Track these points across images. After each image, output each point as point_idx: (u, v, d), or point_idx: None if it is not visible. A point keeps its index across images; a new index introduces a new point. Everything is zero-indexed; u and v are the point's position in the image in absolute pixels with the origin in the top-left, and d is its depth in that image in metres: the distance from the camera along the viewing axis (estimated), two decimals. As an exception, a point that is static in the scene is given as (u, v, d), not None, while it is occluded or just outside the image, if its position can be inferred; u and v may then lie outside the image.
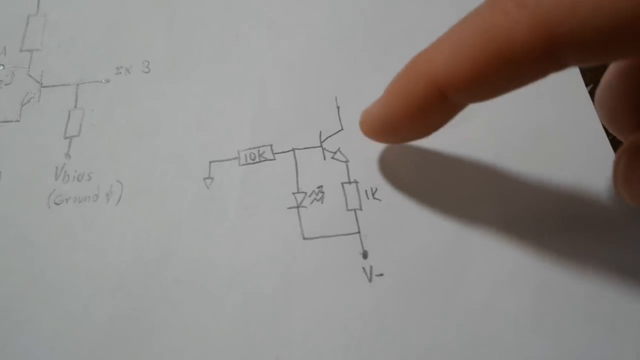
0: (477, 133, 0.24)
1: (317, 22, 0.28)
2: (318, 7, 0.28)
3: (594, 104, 0.24)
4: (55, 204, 0.23)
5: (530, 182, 0.23)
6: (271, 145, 0.24)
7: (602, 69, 0.20)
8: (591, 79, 0.27)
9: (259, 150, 0.24)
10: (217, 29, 0.27)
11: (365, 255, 0.22)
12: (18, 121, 0.24)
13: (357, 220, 0.22)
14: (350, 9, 0.28)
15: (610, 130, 0.21)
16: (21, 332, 0.21)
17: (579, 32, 0.13)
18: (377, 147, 0.24)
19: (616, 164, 0.19)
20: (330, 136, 0.24)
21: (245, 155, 0.24)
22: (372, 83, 0.25)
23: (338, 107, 0.25)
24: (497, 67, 0.15)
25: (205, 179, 0.23)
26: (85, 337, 0.20)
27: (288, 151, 0.24)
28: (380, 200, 0.23)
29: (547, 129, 0.24)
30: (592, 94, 0.26)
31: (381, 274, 0.21)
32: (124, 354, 0.20)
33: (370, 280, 0.21)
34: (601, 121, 0.22)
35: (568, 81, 0.26)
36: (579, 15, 0.13)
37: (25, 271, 0.22)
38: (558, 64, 0.15)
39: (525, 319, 0.21)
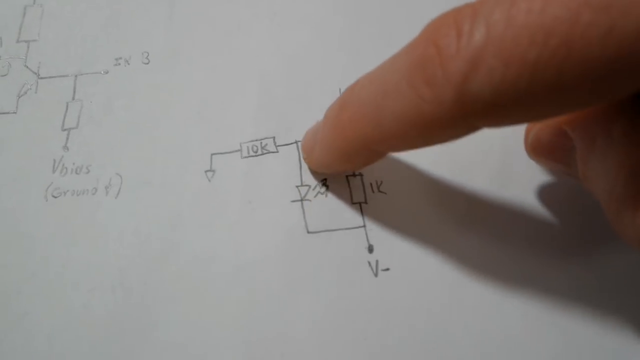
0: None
1: (320, 13, 0.27)
2: (320, -2, 0.28)
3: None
4: (53, 197, 0.22)
5: (540, 170, 0.23)
6: (274, 138, 0.24)
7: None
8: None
9: (261, 143, 0.24)
10: (218, 20, 0.27)
11: (370, 249, 0.21)
12: (15, 113, 0.24)
13: (362, 213, 0.22)
14: (353, 0, 0.27)
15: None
16: (19, 328, 0.20)
17: (492, 109, 0.14)
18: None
19: (526, 135, 0.21)
20: (334, 128, 0.24)
21: (248, 147, 0.23)
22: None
23: (341, 99, 0.25)
24: (422, 138, 0.17)
25: (206, 171, 0.23)
26: (85, 333, 0.20)
27: (291, 143, 0.24)
28: (385, 193, 0.23)
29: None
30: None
31: (387, 269, 0.21)
32: (124, 350, 0.20)
33: (376, 274, 0.21)
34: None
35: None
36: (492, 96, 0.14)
37: (22, 266, 0.21)
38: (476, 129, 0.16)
39: (534, 314, 0.20)
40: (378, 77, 0.17)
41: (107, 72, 0.25)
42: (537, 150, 0.20)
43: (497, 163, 0.23)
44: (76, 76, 0.25)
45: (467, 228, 0.22)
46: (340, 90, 0.25)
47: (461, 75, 0.14)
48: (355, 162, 0.21)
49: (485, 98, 0.14)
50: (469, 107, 0.14)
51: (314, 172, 0.23)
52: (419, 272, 0.21)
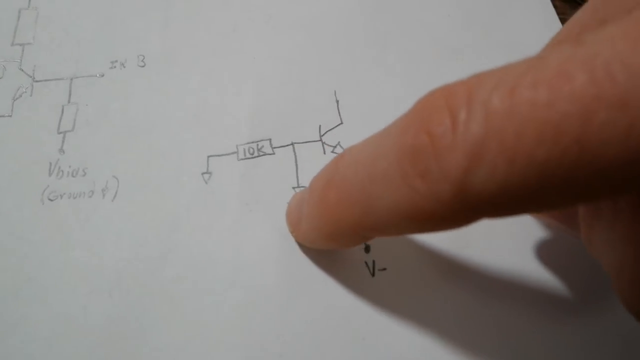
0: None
1: (315, 16, 0.27)
2: (316, 1, 0.28)
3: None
4: (49, 200, 0.22)
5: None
6: (270, 140, 0.24)
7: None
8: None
9: (257, 145, 0.24)
10: (214, 23, 0.27)
11: (367, 249, 0.22)
12: (10, 116, 0.24)
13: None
14: (348, 2, 0.28)
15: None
16: (16, 332, 0.20)
17: (496, 204, 0.13)
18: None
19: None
20: (330, 130, 0.24)
21: (244, 149, 0.24)
22: (371, 77, 0.26)
23: (337, 101, 0.25)
24: (416, 229, 0.15)
25: (203, 173, 0.23)
26: (83, 337, 0.20)
27: (287, 145, 0.24)
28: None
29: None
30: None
31: (384, 269, 0.21)
32: (122, 353, 0.20)
33: (373, 274, 0.21)
34: None
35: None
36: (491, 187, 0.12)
37: (19, 269, 0.21)
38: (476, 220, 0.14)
39: (528, 312, 0.21)
40: (365, 159, 0.15)
41: (102, 75, 0.25)
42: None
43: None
44: (71, 79, 0.25)
45: (464, 229, 0.22)
46: (335, 92, 0.25)
47: (460, 171, 0.12)
48: (344, 244, 0.19)
49: (488, 194, 0.12)
50: (470, 202, 0.13)
51: (309, 173, 0.23)
52: (416, 272, 0.21)
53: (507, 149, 0.11)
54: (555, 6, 0.30)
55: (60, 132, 0.24)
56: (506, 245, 0.22)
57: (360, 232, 0.16)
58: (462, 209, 0.13)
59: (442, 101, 0.13)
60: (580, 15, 0.16)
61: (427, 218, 0.14)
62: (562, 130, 0.11)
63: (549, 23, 0.28)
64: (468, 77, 0.13)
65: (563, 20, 0.30)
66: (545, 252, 0.22)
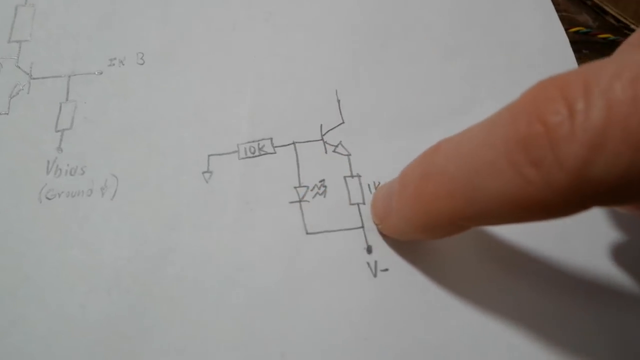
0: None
1: (316, 15, 0.27)
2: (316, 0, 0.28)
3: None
4: (47, 198, 0.22)
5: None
6: (271, 139, 0.24)
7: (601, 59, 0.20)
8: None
9: (258, 144, 0.24)
10: (213, 21, 0.27)
11: (369, 250, 0.21)
12: (7, 114, 0.24)
13: (360, 214, 0.22)
14: (348, 1, 0.28)
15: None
16: (13, 332, 0.20)
17: (615, 193, 0.13)
18: (379, 141, 0.24)
19: None
20: (331, 129, 0.24)
21: (245, 148, 0.23)
22: (372, 76, 0.25)
23: (338, 101, 0.25)
24: (522, 217, 0.15)
25: (204, 172, 0.23)
26: (81, 337, 0.20)
27: (289, 144, 0.24)
28: (383, 194, 0.23)
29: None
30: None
31: (386, 269, 0.21)
32: (122, 353, 0.19)
33: (375, 275, 0.21)
34: None
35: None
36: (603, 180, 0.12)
37: (16, 268, 0.21)
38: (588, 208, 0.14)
39: (530, 311, 0.21)
40: (468, 149, 0.15)
41: (101, 73, 0.25)
42: None
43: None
44: (69, 77, 0.25)
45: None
46: (336, 91, 0.25)
47: (579, 160, 0.12)
48: (438, 235, 0.19)
49: (609, 183, 0.12)
50: (588, 191, 0.13)
51: (311, 173, 0.23)
52: (418, 273, 0.21)
53: (631, 137, 0.11)
54: (557, 3, 0.30)
55: (58, 130, 0.23)
56: (510, 246, 0.22)
57: (459, 223, 0.17)
58: (577, 199, 0.13)
59: (556, 91, 0.13)
60: None
61: (537, 207, 0.14)
62: None
63: (549, 22, 0.28)
64: (579, 68, 0.13)
65: (565, 18, 0.30)
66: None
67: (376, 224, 0.22)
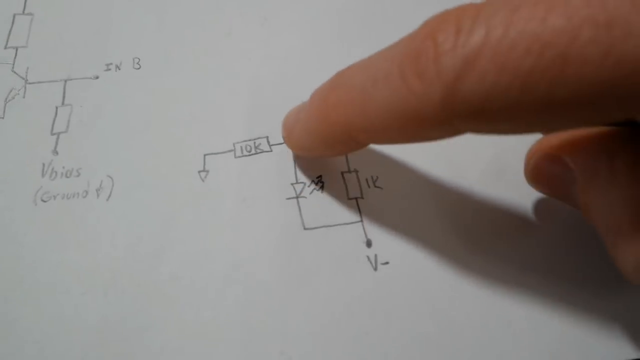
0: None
1: (310, 18, 0.27)
2: (310, 2, 0.28)
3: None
4: (43, 201, 0.22)
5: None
6: (267, 137, 0.24)
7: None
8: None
9: (254, 142, 0.23)
10: (209, 25, 0.27)
11: (369, 243, 0.21)
12: (2, 118, 0.23)
13: (359, 208, 0.22)
14: (342, 3, 0.28)
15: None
16: (9, 334, 0.19)
17: (478, 114, 0.14)
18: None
19: (526, 162, 0.20)
20: (328, 127, 0.24)
21: (241, 147, 0.23)
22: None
23: (333, 99, 0.25)
24: (405, 133, 0.16)
25: (200, 172, 0.23)
26: (78, 338, 0.19)
27: (284, 143, 0.23)
28: (381, 188, 0.22)
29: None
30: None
31: (387, 262, 0.21)
32: (118, 354, 0.19)
33: (375, 268, 0.21)
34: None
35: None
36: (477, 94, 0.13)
37: (12, 271, 0.20)
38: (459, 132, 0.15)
39: (534, 302, 0.20)
40: (371, 64, 0.17)
41: (97, 78, 0.25)
42: (537, 178, 0.20)
43: (491, 154, 0.23)
44: (65, 81, 0.25)
45: (464, 220, 0.22)
46: (332, 90, 0.25)
47: (453, 73, 0.13)
48: (334, 149, 0.20)
49: (474, 101, 0.13)
50: (456, 107, 0.14)
51: (308, 169, 0.23)
52: (419, 265, 0.21)
53: (498, 57, 0.13)
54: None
55: (54, 134, 0.23)
56: (510, 239, 0.21)
57: (353, 134, 0.17)
58: (447, 113, 0.14)
59: (452, 15, 0.14)
60: None
61: (415, 120, 0.15)
62: (549, 44, 0.12)
63: None
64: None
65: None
66: (554, 240, 0.21)
67: (283, 137, 0.22)
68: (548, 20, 0.12)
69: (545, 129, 0.15)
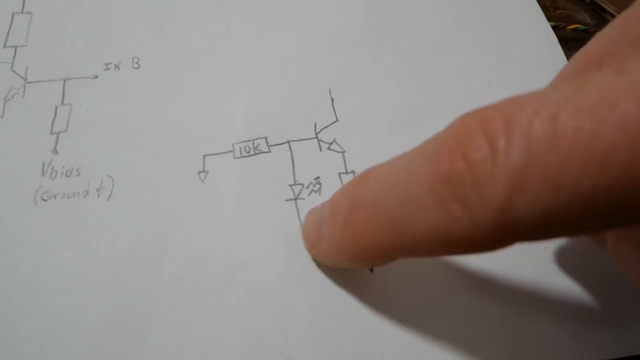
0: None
1: (309, 18, 0.27)
2: (309, 2, 0.28)
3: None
4: (43, 200, 0.22)
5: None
6: (266, 138, 0.24)
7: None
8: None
9: (253, 143, 0.24)
10: (207, 25, 0.27)
11: (366, 245, 0.21)
12: (1, 117, 0.24)
13: (356, 210, 0.22)
14: (341, 3, 0.28)
15: None
16: (10, 333, 0.19)
17: (539, 231, 0.12)
18: (373, 138, 0.24)
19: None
20: (326, 127, 0.24)
21: (240, 148, 0.23)
22: (365, 75, 0.26)
23: (332, 99, 0.25)
24: (451, 252, 0.15)
25: (199, 172, 0.23)
26: (79, 338, 0.19)
27: (283, 143, 0.24)
28: (379, 190, 0.22)
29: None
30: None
31: (383, 264, 0.21)
32: (120, 353, 0.19)
33: (372, 270, 0.21)
34: None
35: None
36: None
37: (13, 270, 0.20)
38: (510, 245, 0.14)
39: (530, 300, 0.20)
40: (395, 182, 0.15)
41: (96, 77, 0.25)
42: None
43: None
44: (65, 80, 0.25)
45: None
46: (330, 90, 0.25)
47: (501, 199, 0.12)
48: (369, 264, 0.19)
49: (530, 221, 0.12)
50: (512, 229, 0.12)
51: (306, 171, 0.23)
52: (415, 268, 0.21)
53: (551, 178, 0.11)
54: (555, 0, 0.30)
55: (54, 133, 0.23)
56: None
57: (390, 255, 0.16)
58: (501, 236, 0.13)
59: (478, 126, 0.13)
60: (609, 31, 0.16)
61: (464, 243, 0.13)
62: (610, 159, 0.11)
63: (537, 23, 0.28)
64: (502, 101, 0.13)
65: (563, 16, 0.30)
66: (555, 257, 0.22)
67: (308, 251, 0.21)
68: (602, 133, 0.11)
69: (609, 230, 0.14)
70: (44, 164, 0.23)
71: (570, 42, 0.28)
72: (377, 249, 0.16)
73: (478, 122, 0.13)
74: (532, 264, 0.21)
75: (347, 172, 0.23)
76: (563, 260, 0.21)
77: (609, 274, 0.21)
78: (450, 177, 0.13)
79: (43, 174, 0.22)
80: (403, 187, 0.14)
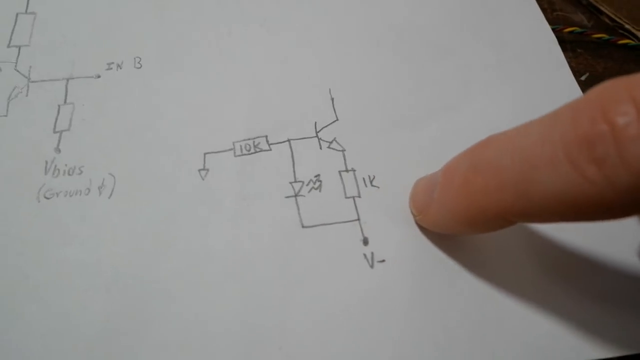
0: (471, 120, 0.25)
1: (309, 19, 0.28)
2: (310, 3, 0.28)
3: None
4: (46, 198, 0.22)
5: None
6: (266, 136, 0.24)
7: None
8: (586, 67, 0.27)
9: (254, 142, 0.24)
10: (209, 25, 0.27)
11: (365, 241, 0.21)
12: (5, 116, 0.24)
13: (356, 207, 0.22)
14: (341, 4, 0.28)
15: None
16: (12, 330, 0.20)
17: None
18: (373, 137, 0.24)
19: None
20: (326, 126, 0.24)
21: (241, 146, 0.24)
22: (365, 74, 0.26)
23: (332, 99, 0.25)
24: (575, 215, 0.15)
25: (200, 170, 0.23)
26: (81, 334, 0.20)
27: (284, 142, 0.24)
28: (378, 187, 0.23)
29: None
30: (586, 83, 0.26)
31: (383, 260, 0.21)
32: (121, 349, 0.19)
33: (372, 266, 0.21)
34: None
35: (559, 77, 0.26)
36: None
37: (15, 268, 0.21)
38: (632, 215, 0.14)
39: (529, 298, 0.21)
40: (525, 145, 0.15)
41: (99, 77, 0.25)
42: None
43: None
44: (68, 80, 0.25)
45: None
46: (330, 90, 0.25)
47: None
48: (480, 229, 0.18)
49: None
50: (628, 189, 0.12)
51: (306, 168, 0.23)
52: (415, 263, 0.21)
53: None
54: (552, 2, 0.30)
55: (57, 132, 0.24)
56: (506, 239, 0.22)
57: (508, 218, 0.16)
58: (636, 200, 0.13)
59: (625, 92, 0.13)
60: None
61: (594, 206, 0.13)
62: None
63: (535, 22, 0.29)
64: None
65: (560, 18, 0.30)
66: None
67: (414, 215, 0.22)
68: None
69: None
70: (46, 162, 0.23)
71: (568, 44, 0.29)
72: (496, 212, 0.16)
73: (624, 87, 0.13)
74: (540, 260, 0.21)
75: (347, 170, 0.23)
76: (573, 255, 0.22)
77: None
78: (589, 139, 0.13)
79: (46, 172, 0.23)
80: (532, 149, 0.14)
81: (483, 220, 0.17)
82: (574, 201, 0.14)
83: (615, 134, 0.12)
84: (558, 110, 0.14)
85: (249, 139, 0.24)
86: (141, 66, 0.26)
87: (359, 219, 0.22)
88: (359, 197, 0.22)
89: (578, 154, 0.13)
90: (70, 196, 0.22)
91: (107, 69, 0.26)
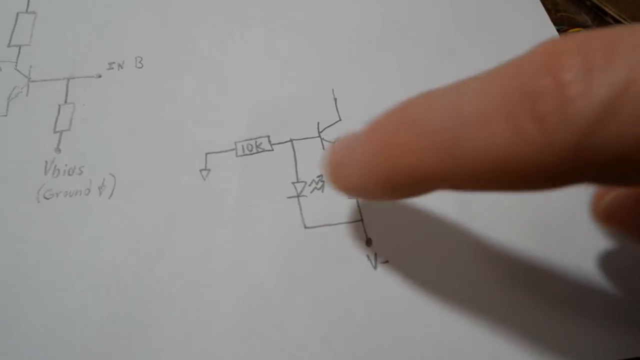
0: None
1: (312, 18, 0.28)
2: (312, 3, 0.28)
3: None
4: (45, 198, 0.22)
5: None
6: (268, 136, 0.24)
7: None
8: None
9: (256, 142, 0.24)
10: (211, 25, 0.27)
11: (369, 242, 0.21)
12: (5, 115, 0.24)
13: (359, 208, 0.22)
14: (344, 4, 0.28)
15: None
16: (11, 331, 0.19)
17: (618, 166, 0.11)
18: (376, 137, 0.24)
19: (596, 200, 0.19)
20: (328, 127, 0.24)
21: (242, 146, 0.23)
22: (368, 75, 0.26)
23: (335, 99, 0.25)
24: (504, 182, 0.13)
25: (201, 170, 0.23)
26: (80, 335, 0.19)
27: (286, 142, 0.24)
28: (382, 188, 0.22)
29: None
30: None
31: (386, 261, 0.21)
32: (121, 351, 0.19)
33: (375, 267, 0.21)
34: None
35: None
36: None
37: (14, 268, 0.20)
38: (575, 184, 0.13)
39: (531, 300, 0.20)
40: (457, 100, 0.13)
41: (100, 76, 0.25)
42: (611, 217, 0.18)
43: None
44: (68, 79, 0.25)
45: (463, 219, 0.22)
46: (333, 90, 0.25)
47: (590, 121, 0.11)
48: (397, 194, 0.16)
49: (611, 153, 0.11)
50: (590, 158, 0.11)
51: (309, 169, 0.23)
52: (418, 264, 0.21)
53: None
54: (556, 3, 0.30)
55: (57, 132, 0.23)
56: (506, 235, 0.22)
57: (430, 181, 0.14)
58: (577, 164, 0.11)
59: (574, 48, 0.12)
60: None
61: (529, 169, 0.12)
62: None
63: (540, 22, 0.28)
64: (599, 29, 0.12)
65: (564, 18, 0.30)
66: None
67: (326, 175, 0.18)
68: None
69: None
70: (46, 162, 0.23)
71: (572, 45, 0.29)
72: (416, 173, 0.14)
73: (574, 43, 0.12)
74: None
75: (349, 170, 0.23)
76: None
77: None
78: (530, 93, 0.12)
79: (46, 173, 0.22)
80: (466, 103, 0.13)
81: (404, 182, 0.15)
82: (508, 163, 0.12)
83: (560, 89, 0.11)
84: (500, 65, 0.13)
85: (251, 139, 0.24)
86: (142, 66, 0.26)
87: (362, 220, 0.22)
88: (362, 197, 0.22)
89: (517, 110, 0.12)
90: (70, 196, 0.22)
91: (108, 69, 0.25)
